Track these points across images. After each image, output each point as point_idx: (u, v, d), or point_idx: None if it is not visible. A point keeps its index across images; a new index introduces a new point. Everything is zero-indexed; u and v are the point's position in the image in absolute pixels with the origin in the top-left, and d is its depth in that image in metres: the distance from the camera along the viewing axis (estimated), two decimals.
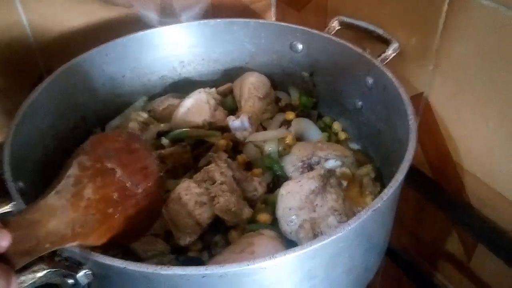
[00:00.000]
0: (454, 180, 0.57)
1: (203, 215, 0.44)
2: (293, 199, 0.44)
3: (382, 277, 0.69)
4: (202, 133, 0.55)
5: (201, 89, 0.59)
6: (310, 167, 0.50)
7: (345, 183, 0.48)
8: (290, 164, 0.51)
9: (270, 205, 0.48)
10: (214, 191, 0.45)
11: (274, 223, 0.46)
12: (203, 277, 0.31)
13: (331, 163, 0.51)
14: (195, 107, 0.56)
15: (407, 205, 0.64)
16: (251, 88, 0.58)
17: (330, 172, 0.46)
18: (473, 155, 0.54)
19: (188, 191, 0.45)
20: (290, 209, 0.43)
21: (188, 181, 0.46)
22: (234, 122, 0.53)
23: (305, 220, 0.42)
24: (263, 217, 0.47)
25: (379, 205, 0.36)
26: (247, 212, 0.46)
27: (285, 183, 0.46)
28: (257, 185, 0.49)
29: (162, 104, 0.60)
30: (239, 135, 0.54)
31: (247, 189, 0.48)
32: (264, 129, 0.58)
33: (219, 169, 0.46)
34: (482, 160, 0.53)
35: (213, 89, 0.61)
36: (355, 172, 0.52)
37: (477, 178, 0.54)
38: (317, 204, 0.43)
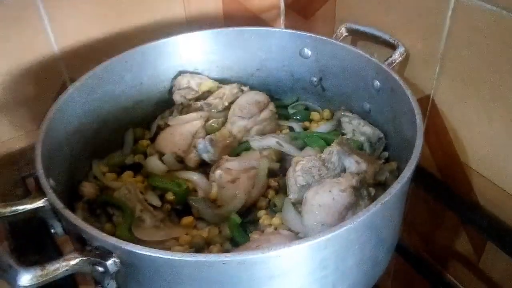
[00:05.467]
0: (462, 180, 0.59)
1: None
2: (326, 214, 0.43)
3: (394, 277, 0.70)
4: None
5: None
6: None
7: (373, 191, 0.48)
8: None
9: (279, 206, 0.50)
10: None
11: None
12: (224, 263, 0.33)
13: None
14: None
15: (417, 206, 0.66)
16: (236, 109, 0.60)
17: (362, 183, 0.46)
18: (480, 155, 0.56)
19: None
20: (322, 225, 0.43)
21: None
22: (199, 144, 0.56)
23: None
24: (276, 221, 0.49)
25: (387, 198, 0.38)
26: None
27: (314, 191, 0.45)
28: None
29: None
30: (205, 156, 0.56)
31: None
32: None
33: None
34: (489, 160, 0.54)
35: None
36: None
37: (485, 178, 0.56)
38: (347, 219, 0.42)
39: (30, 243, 0.54)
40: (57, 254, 0.53)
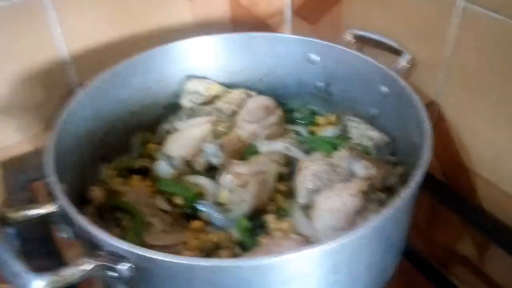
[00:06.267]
0: (467, 184, 0.59)
1: None
2: (337, 218, 0.43)
3: (397, 279, 0.70)
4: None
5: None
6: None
7: (382, 196, 0.48)
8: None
9: (288, 210, 0.51)
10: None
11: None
12: (238, 268, 0.34)
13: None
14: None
15: (421, 210, 0.66)
16: (244, 114, 0.61)
17: (371, 187, 0.46)
18: (485, 160, 0.56)
19: None
20: (333, 229, 0.43)
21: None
22: (208, 148, 0.56)
23: None
24: (285, 225, 0.49)
25: (399, 203, 0.39)
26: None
27: (324, 195, 0.46)
28: None
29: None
30: (213, 161, 0.56)
31: None
32: None
33: None
34: (494, 164, 0.55)
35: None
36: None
37: (489, 182, 0.56)
38: (357, 224, 0.43)
39: (34, 248, 0.53)
40: (59, 258, 0.53)
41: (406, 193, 0.40)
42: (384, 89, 0.56)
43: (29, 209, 0.42)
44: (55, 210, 0.42)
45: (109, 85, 0.58)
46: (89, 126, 0.55)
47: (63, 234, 0.45)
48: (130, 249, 0.35)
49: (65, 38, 0.62)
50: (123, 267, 0.36)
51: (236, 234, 0.49)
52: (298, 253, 0.35)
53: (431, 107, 0.60)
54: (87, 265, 0.36)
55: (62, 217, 0.43)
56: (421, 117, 0.48)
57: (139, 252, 0.35)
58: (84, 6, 0.61)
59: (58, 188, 0.41)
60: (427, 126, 0.46)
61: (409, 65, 0.58)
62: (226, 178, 0.51)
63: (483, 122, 0.54)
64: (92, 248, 0.38)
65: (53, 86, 0.64)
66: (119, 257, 0.36)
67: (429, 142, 0.45)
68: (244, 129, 0.60)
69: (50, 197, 0.42)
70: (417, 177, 0.41)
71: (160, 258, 0.34)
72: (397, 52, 0.59)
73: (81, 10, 0.61)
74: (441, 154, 0.62)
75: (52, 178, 0.42)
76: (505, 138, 0.52)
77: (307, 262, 0.37)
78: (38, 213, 0.42)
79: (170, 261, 0.34)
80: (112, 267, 0.36)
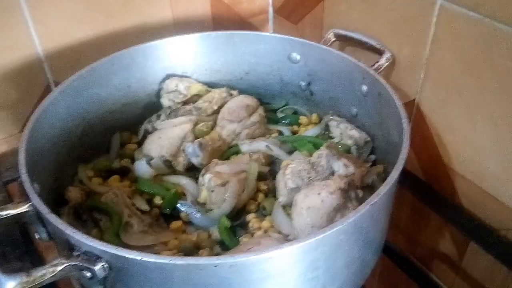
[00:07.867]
0: (446, 182, 0.60)
1: None
2: (315, 216, 0.43)
3: (379, 278, 0.71)
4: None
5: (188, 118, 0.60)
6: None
7: (360, 193, 0.48)
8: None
9: (269, 209, 0.51)
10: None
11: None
12: (215, 266, 0.33)
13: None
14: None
15: (402, 208, 0.67)
16: (225, 113, 0.60)
17: (350, 185, 0.47)
18: (463, 158, 0.57)
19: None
20: (312, 227, 0.43)
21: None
22: (188, 148, 0.56)
23: None
24: (266, 224, 0.49)
25: (376, 200, 0.39)
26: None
27: (303, 193, 0.46)
28: None
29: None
30: (193, 160, 0.56)
31: None
32: None
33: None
34: (471, 162, 0.56)
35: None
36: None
37: (467, 180, 0.57)
38: (336, 221, 0.42)
39: (11, 250, 0.52)
40: (40, 260, 0.51)
41: (383, 190, 0.40)
42: (364, 88, 0.56)
43: (1, 209, 0.41)
44: (27, 210, 0.41)
45: (86, 83, 0.57)
46: (65, 125, 0.54)
47: (37, 235, 0.44)
48: (103, 248, 0.34)
49: (39, 37, 0.60)
50: (98, 267, 0.35)
51: (216, 233, 0.49)
52: (276, 250, 0.34)
53: (411, 105, 0.60)
54: (60, 266, 0.35)
55: (37, 217, 0.42)
56: (399, 116, 0.48)
57: (113, 251, 0.34)
58: (59, 4, 0.60)
59: (29, 187, 0.40)
60: (406, 124, 0.47)
61: (388, 64, 0.58)
62: (206, 177, 0.50)
63: (462, 120, 0.55)
64: (67, 248, 0.37)
65: (28, 85, 0.63)
66: (94, 257, 0.35)
67: (407, 140, 0.45)
68: (225, 128, 0.59)
69: (24, 198, 0.41)
70: (394, 174, 0.42)
71: (133, 257, 0.33)
72: (378, 52, 0.60)
73: (55, 9, 0.60)
74: (421, 152, 0.63)
75: (24, 177, 0.41)
76: (483, 136, 0.53)
77: (285, 259, 0.36)
78: (10, 214, 0.41)
79: (144, 260, 0.33)
80: (86, 267, 0.35)
